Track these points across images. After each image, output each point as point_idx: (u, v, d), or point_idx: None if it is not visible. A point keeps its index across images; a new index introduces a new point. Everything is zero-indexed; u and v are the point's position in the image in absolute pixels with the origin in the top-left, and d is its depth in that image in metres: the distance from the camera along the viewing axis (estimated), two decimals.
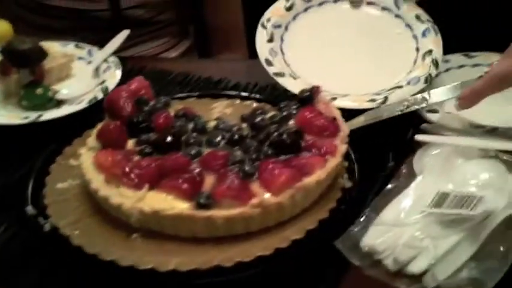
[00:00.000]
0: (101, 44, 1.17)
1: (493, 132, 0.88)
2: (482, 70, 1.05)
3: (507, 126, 0.88)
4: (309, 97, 0.87)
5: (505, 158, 0.80)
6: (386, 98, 0.97)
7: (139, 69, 1.15)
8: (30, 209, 0.76)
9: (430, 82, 1.00)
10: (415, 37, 1.08)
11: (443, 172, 0.79)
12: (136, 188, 0.72)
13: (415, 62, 1.05)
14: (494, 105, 0.96)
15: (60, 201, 0.78)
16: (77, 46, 1.16)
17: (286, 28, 1.12)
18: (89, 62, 1.12)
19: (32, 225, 0.75)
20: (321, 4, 1.14)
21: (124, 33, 1.18)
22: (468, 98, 0.87)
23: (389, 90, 1.00)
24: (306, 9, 1.14)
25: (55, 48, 1.10)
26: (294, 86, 0.98)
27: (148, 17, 1.42)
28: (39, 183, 0.81)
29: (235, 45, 1.59)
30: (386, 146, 0.91)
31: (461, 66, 1.08)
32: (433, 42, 1.06)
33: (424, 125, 0.89)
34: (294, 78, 1.02)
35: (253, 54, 1.41)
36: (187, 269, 0.66)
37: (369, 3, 1.13)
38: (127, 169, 0.73)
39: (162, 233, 0.71)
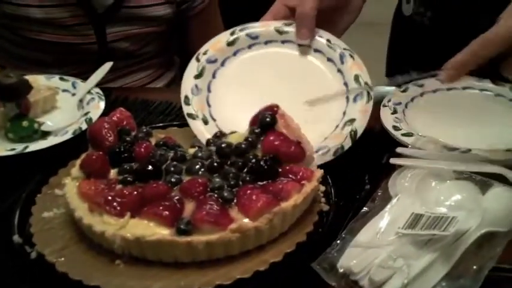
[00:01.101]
0: (88, 76, 1.21)
1: (466, 153, 0.91)
2: (457, 93, 1.10)
3: (479, 148, 0.91)
4: (271, 122, 0.86)
5: (477, 179, 0.83)
6: None
7: (122, 99, 1.18)
8: (16, 238, 0.78)
9: (339, 155, 0.94)
10: (347, 99, 1.01)
11: (417, 194, 0.83)
12: (119, 215, 0.74)
13: (335, 128, 0.99)
14: (467, 128, 1.00)
15: (45, 229, 0.80)
16: (61, 79, 1.19)
17: (222, 63, 1.07)
18: (73, 94, 1.15)
19: (18, 253, 0.77)
20: (267, 43, 1.09)
21: (107, 65, 1.21)
22: (453, 68, 0.91)
23: None
24: (249, 46, 1.08)
25: (40, 81, 1.13)
26: (202, 131, 0.96)
27: (133, 49, 1.45)
28: (26, 212, 0.83)
29: None
30: (362, 169, 0.94)
31: (435, 90, 1.12)
32: (361, 110, 0.99)
33: (399, 149, 0.92)
34: (205, 123, 0.99)
35: None
36: None
37: (316, 51, 1.06)
38: (109, 197, 0.76)
39: (145, 258, 0.74)
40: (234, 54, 1.08)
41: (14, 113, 1.01)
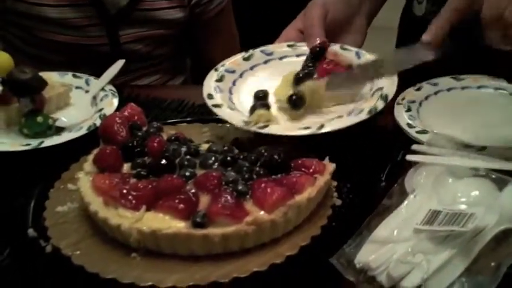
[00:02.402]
0: (99, 77, 1.20)
1: (481, 151, 0.91)
2: (472, 92, 1.10)
3: (494, 145, 0.91)
4: (321, 50, 1.01)
5: (494, 176, 0.83)
6: (322, 126, 0.93)
7: (134, 97, 1.18)
8: (31, 232, 0.78)
9: (373, 115, 0.95)
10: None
11: (434, 191, 0.82)
12: (134, 209, 0.74)
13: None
14: (482, 126, 0.99)
15: (60, 223, 0.80)
16: (74, 76, 1.20)
17: (240, 75, 1.09)
18: (87, 91, 1.15)
19: (33, 247, 0.77)
20: (282, 58, 1.13)
21: (120, 63, 1.21)
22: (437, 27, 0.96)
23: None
24: (265, 62, 1.12)
25: (53, 78, 1.13)
26: (231, 116, 0.96)
27: (145, 52, 1.46)
28: (40, 207, 0.83)
29: None
30: (377, 166, 0.93)
31: (450, 89, 1.11)
32: (386, 79, 1.01)
33: (414, 146, 0.91)
34: (231, 109, 0.99)
35: None
36: (186, 285, 0.69)
37: None
38: (124, 191, 0.76)
39: (160, 251, 0.74)
40: (251, 68, 1.11)
41: (29, 108, 1.01)
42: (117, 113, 0.90)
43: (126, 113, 0.91)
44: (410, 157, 0.88)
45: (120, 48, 1.41)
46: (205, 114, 1.12)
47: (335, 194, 0.83)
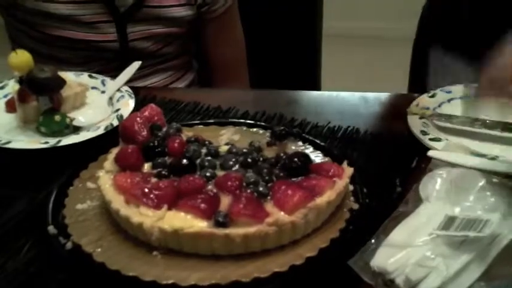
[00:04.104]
0: (110, 74, 1.22)
1: (494, 160, 0.92)
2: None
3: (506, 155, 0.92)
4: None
5: (509, 184, 0.83)
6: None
7: (150, 99, 1.19)
8: (51, 229, 0.79)
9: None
10: None
11: (449, 197, 0.83)
12: (156, 208, 0.75)
13: None
14: (494, 135, 1.01)
15: (80, 221, 0.81)
16: (90, 76, 1.21)
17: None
18: (103, 92, 1.16)
19: (53, 244, 0.77)
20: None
21: (136, 64, 1.22)
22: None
23: None
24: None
25: (70, 77, 1.14)
26: None
27: (154, 50, 1.46)
28: (59, 205, 0.84)
29: (238, 77, 1.64)
30: (392, 172, 0.94)
31: (463, 97, 1.12)
32: None
33: (430, 152, 0.92)
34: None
35: (254, 87, 1.44)
36: (207, 284, 0.69)
37: None
38: (146, 190, 0.76)
39: (181, 250, 0.74)
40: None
41: (47, 107, 1.02)
42: (138, 113, 0.91)
43: (146, 114, 0.91)
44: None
45: (129, 46, 1.42)
46: (220, 117, 1.13)
47: (352, 198, 0.84)
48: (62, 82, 1.02)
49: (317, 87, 1.86)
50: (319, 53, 1.85)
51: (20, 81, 1.02)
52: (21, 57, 1.00)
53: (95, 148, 0.95)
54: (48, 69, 1.00)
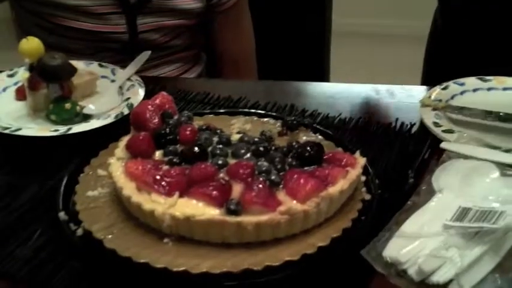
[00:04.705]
0: (117, 64, 1.22)
1: (507, 153, 0.91)
2: (497, 93, 1.10)
3: None
4: None
5: None
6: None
7: (160, 88, 1.18)
8: (62, 215, 0.79)
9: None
10: None
11: (462, 189, 0.82)
12: (167, 195, 0.75)
13: None
14: (506, 128, 1.00)
15: (91, 208, 0.80)
16: (100, 65, 1.20)
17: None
18: (113, 81, 1.15)
19: (64, 230, 0.77)
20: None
21: (146, 54, 1.22)
22: None
23: None
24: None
25: (80, 66, 1.13)
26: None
27: (163, 41, 1.46)
28: (70, 191, 0.84)
29: (246, 71, 1.63)
30: (404, 163, 0.94)
31: (476, 90, 1.12)
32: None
33: (443, 144, 0.91)
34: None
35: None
36: (218, 272, 0.69)
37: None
38: (158, 177, 0.76)
39: (193, 238, 0.74)
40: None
41: (57, 95, 1.02)
42: (149, 101, 0.90)
43: (157, 101, 0.91)
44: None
45: (138, 37, 1.41)
46: (230, 107, 1.13)
47: (364, 189, 0.84)
48: (73, 70, 1.02)
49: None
50: (328, 48, 1.84)
51: (31, 68, 1.02)
52: (32, 44, 1.00)
53: (105, 136, 0.94)
54: (59, 57, 1.00)
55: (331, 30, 1.81)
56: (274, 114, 1.02)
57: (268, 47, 1.70)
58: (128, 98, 1.07)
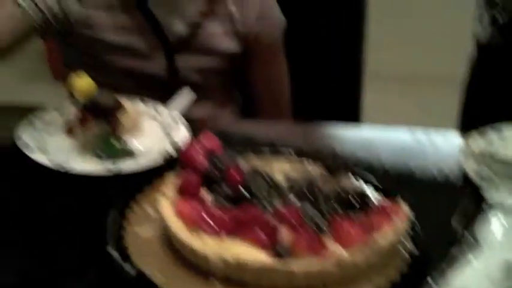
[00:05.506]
0: (157, 101, 1.24)
1: None
2: None
3: None
4: None
5: None
6: None
7: (201, 127, 1.20)
8: (112, 252, 0.80)
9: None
10: None
11: (507, 242, 0.82)
12: (216, 235, 0.77)
13: None
14: None
15: (139, 244, 0.82)
16: (144, 103, 1.23)
17: None
18: (157, 119, 1.18)
19: (114, 267, 0.79)
20: None
21: (188, 94, 1.25)
22: None
23: None
24: None
25: (125, 103, 1.16)
26: None
27: (200, 81, 1.48)
28: (118, 227, 0.86)
29: (280, 111, 1.65)
30: (448, 214, 0.94)
31: None
32: None
33: (485, 194, 0.92)
34: None
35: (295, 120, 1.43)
36: None
37: None
38: (207, 218, 0.78)
39: (241, 279, 0.75)
40: None
41: (106, 132, 1.04)
42: (196, 141, 0.93)
43: (204, 142, 0.93)
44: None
45: (176, 76, 1.44)
46: (271, 149, 1.14)
47: (408, 239, 0.84)
48: (121, 108, 1.05)
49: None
50: (361, 90, 1.85)
51: (81, 105, 1.05)
52: (84, 82, 1.03)
53: (148, 172, 0.97)
54: (109, 95, 1.03)
55: (364, 71, 1.83)
56: (314, 156, 1.03)
57: (301, 88, 1.72)
58: (172, 137, 1.09)
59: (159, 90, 1.42)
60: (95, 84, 1.04)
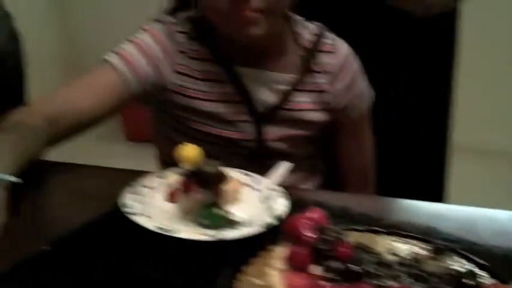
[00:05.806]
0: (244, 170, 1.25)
1: None
2: None
3: None
4: None
5: None
6: None
7: (297, 199, 1.21)
8: None
9: None
10: None
11: None
12: None
13: None
14: None
15: None
16: (241, 172, 1.25)
17: None
18: (255, 189, 1.19)
19: None
20: None
21: (286, 166, 1.26)
22: None
23: None
24: None
25: (227, 173, 1.18)
26: None
27: (287, 151, 1.51)
28: None
29: (365, 185, 1.65)
30: None
31: None
32: None
33: None
34: None
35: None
36: None
37: None
38: None
39: None
40: None
41: (210, 200, 1.06)
42: (304, 214, 0.93)
43: (312, 215, 0.94)
44: None
45: (264, 145, 1.47)
46: (370, 224, 1.13)
47: None
48: (225, 177, 1.07)
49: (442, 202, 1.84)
50: (448, 167, 1.84)
51: (186, 173, 1.07)
52: (192, 151, 1.06)
53: (251, 242, 0.98)
54: (214, 164, 1.05)
55: (451, 147, 1.82)
56: (417, 236, 1.02)
57: (386, 162, 1.72)
58: (273, 208, 1.10)
59: (247, 159, 1.45)
60: (202, 152, 1.07)
